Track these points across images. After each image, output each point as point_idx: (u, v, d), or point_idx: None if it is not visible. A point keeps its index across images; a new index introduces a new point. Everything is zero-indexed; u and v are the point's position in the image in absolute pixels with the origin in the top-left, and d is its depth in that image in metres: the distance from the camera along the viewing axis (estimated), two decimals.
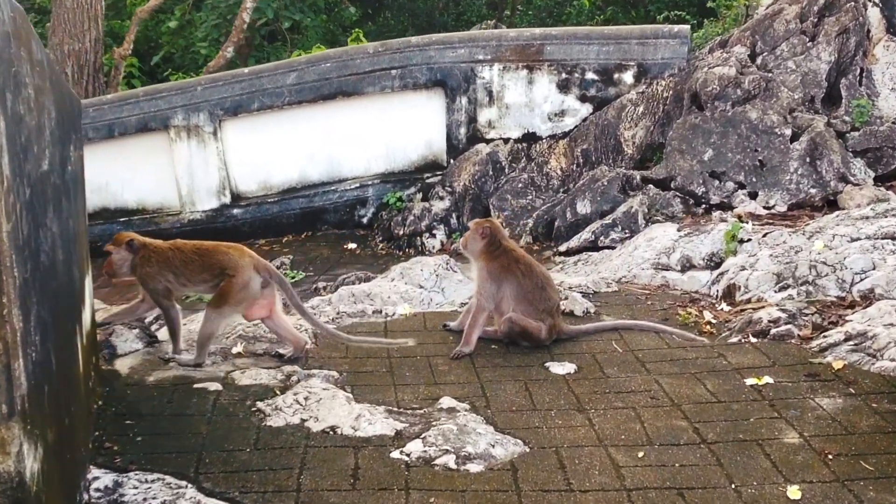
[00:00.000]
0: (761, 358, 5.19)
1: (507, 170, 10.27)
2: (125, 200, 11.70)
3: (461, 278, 7.99)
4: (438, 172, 10.62)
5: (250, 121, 11.15)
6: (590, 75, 10.19)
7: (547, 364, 5.32)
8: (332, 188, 11.07)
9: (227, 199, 11.33)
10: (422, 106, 10.76)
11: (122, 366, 5.46)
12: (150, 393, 5.07)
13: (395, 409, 4.79)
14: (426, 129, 10.80)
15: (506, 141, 10.46)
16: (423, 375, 5.27)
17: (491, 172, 10.22)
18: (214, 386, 5.11)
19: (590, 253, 8.67)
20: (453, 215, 10.17)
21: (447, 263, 8.41)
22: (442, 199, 10.27)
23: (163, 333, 6.09)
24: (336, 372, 5.35)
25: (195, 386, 5.11)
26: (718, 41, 10.60)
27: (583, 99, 10.28)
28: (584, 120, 10.24)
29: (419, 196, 10.50)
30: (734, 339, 5.60)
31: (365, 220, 10.94)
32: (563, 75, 10.26)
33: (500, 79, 10.40)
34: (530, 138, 10.45)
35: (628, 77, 10.23)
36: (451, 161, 10.58)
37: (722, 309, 6.30)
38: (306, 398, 4.94)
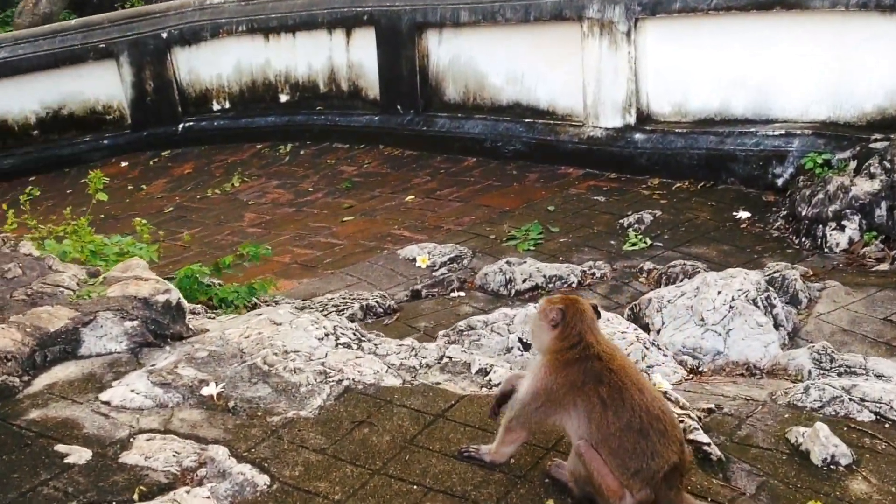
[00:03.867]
0: None
1: None
2: (537, 98, 10.00)
3: (765, 320, 5.13)
4: (893, 135, 7.22)
5: (669, 24, 8.61)
6: None
7: None
8: (751, 130, 8.16)
9: (631, 119, 9.00)
10: (890, 36, 7.32)
11: (42, 380, 3.87)
12: None
13: None
14: (890, 71, 7.38)
15: None
16: None
17: None
18: (80, 455, 3.37)
19: None
20: (882, 205, 6.81)
21: (773, 284, 5.55)
22: (872, 177, 6.93)
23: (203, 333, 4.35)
24: (268, 477, 3.26)
25: (56, 447, 3.40)
26: None
27: None
28: None
29: (853, 164, 7.24)
30: None
31: (779, 182, 7.91)
32: None
33: None
34: None
35: None
36: None
37: None
38: None
